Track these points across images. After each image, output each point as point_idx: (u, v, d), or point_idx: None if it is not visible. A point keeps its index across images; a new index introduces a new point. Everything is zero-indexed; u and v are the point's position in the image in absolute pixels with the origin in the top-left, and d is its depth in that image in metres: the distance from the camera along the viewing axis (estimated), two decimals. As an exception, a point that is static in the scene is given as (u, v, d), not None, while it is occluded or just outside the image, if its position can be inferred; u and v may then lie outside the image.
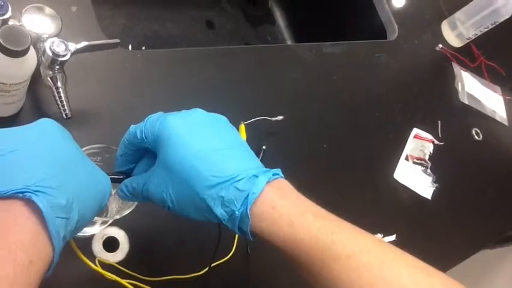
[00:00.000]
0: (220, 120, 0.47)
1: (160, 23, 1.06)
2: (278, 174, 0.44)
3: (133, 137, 0.47)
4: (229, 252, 0.61)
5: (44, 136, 0.39)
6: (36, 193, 0.34)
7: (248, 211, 0.41)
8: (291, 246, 0.41)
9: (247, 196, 0.41)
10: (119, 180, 0.49)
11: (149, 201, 0.47)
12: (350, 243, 0.41)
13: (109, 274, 0.53)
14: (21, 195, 0.34)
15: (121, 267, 0.55)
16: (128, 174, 0.50)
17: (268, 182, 0.42)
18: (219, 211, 0.42)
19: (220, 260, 0.60)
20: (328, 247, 0.40)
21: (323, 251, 0.40)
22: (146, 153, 0.50)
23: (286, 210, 0.42)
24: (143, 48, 0.94)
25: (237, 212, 0.41)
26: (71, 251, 0.47)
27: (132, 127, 0.48)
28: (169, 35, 1.06)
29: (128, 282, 0.54)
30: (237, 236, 0.62)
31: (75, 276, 0.54)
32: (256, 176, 0.42)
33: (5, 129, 0.38)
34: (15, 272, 0.32)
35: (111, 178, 0.45)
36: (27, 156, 0.36)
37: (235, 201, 0.41)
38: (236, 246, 0.62)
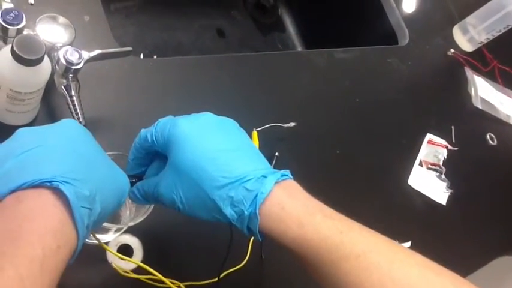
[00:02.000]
0: (229, 123, 0.48)
1: (171, 33, 1.07)
2: (287, 175, 0.44)
3: (144, 140, 0.48)
4: (244, 258, 0.61)
5: (68, 133, 0.41)
6: (63, 183, 0.36)
7: (257, 211, 0.41)
8: (300, 246, 0.42)
9: (256, 196, 0.42)
10: (131, 184, 0.49)
11: (160, 203, 0.47)
12: (359, 242, 0.41)
13: (126, 258, 0.53)
14: (49, 184, 0.35)
15: (135, 275, 0.55)
16: (139, 177, 0.51)
17: (276, 183, 0.43)
18: (229, 211, 0.42)
19: (235, 266, 0.60)
20: (337, 247, 0.41)
21: (332, 250, 0.41)
22: (157, 156, 0.50)
23: (295, 210, 0.42)
24: (154, 57, 0.95)
25: (246, 212, 0.42)
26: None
27: (143, 131, 0.49)
28: (181, 44, 1.07)
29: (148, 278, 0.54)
30: (251, 242, 0.62)
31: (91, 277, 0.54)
32: (265, 177, 0.42)
33: (32, 127, 0.41)
34: (45, 254, 0.33)
35: None
36: (53, 151, 0.38)
37: (244, 201, 0.42)
38: (250, 252, 0.61)
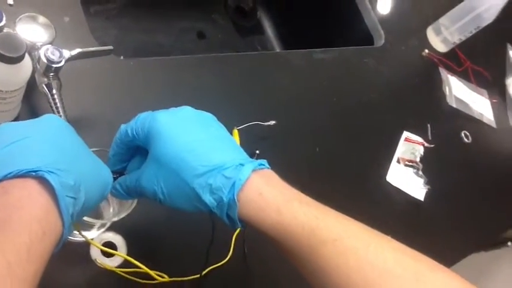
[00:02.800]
0: (207, 116, 0.49)
1: (152, 35, 1.07)
2: (264, 165, 0.46)
3: (125, 135, 0.49)
4: (227, 254, 0.62)
5: (51, 127, 0.41)
6: (48, 173, 0.36)
7: (235, 197, 0.43)
8: (278, 232, 0.43)
9: (234, 183, 0.43)
10: (113, 180, 0.50)
11: (142, 197, 0.48)
12: (336, 227, 0.42)
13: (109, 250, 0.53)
14: (34, 174, 0.36)
15: (119, 271, 0.55)
16: (120, 173, 0.51)
17: (254, 171, 0.44)
18: (208, 198, 0.43)
19: (218, 262, 0.60)
20: (314, 232, 0.41)
21: (310, 236, 0.41)
22: (137, 151, 0.51)
23: (272, 197, 0.43)
24: (135, 59, 0.95)
25: (224, 199, 0.43)
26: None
27: (123, 126, 0.49)
28: (161, 46, 1.08)
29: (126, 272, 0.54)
30: (234, 237, 0.63)
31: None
32: (243, 165, 0.44)
33: (16, 122, 0.42)
34: (32, 241, 0.34)
35: None
36: (38, 143, 0.39)
37: (223, 188, 0.43)
38: (233, 247, 0.62)
